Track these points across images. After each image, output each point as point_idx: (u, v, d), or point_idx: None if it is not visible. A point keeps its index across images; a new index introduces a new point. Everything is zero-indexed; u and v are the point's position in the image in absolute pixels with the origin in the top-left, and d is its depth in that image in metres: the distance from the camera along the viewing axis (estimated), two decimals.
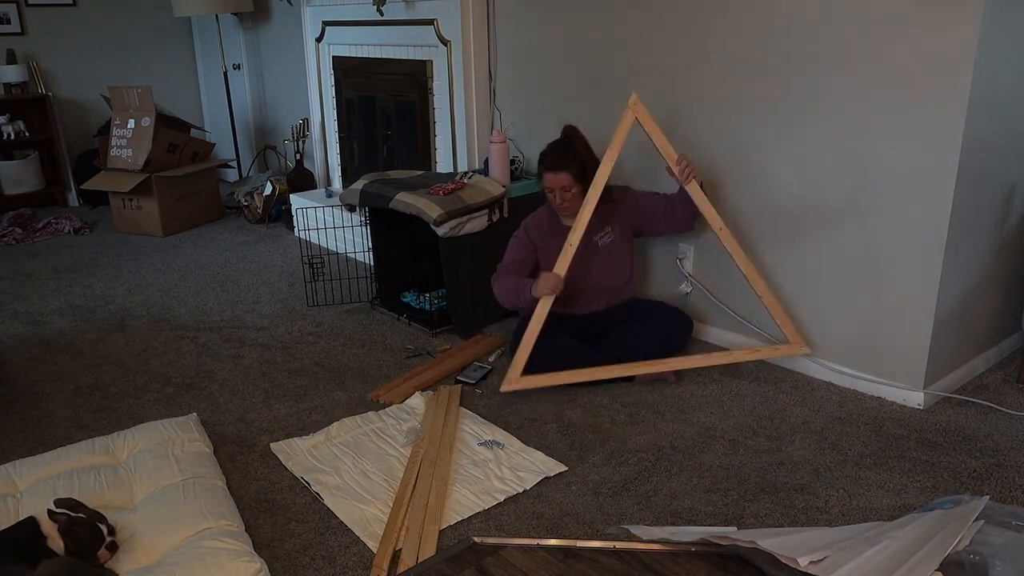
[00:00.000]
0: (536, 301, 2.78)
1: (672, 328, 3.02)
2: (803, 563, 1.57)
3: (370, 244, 3.72)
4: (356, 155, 4.77)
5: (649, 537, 1.86)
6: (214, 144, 5.51)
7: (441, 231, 3.14)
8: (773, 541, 1.67)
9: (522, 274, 2.92)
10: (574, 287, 2.91)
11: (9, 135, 5.47)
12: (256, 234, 4.98)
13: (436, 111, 4.05)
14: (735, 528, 2.05)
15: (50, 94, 5.69)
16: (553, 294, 2.75)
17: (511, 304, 2.95)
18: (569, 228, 2.81)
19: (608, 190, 2.83)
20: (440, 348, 3.24)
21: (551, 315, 2.78)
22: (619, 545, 1.82)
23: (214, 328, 3.54)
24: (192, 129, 5.31)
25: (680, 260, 3.24)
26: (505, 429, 2.61)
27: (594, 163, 2.83)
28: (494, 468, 2.39)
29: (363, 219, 3.90)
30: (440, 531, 2.13)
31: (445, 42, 3.84)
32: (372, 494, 2.28)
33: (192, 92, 6.53)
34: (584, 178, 2.82)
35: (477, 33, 3.74)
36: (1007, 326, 2.98)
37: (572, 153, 2.85)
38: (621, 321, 3.01)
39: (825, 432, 2.55)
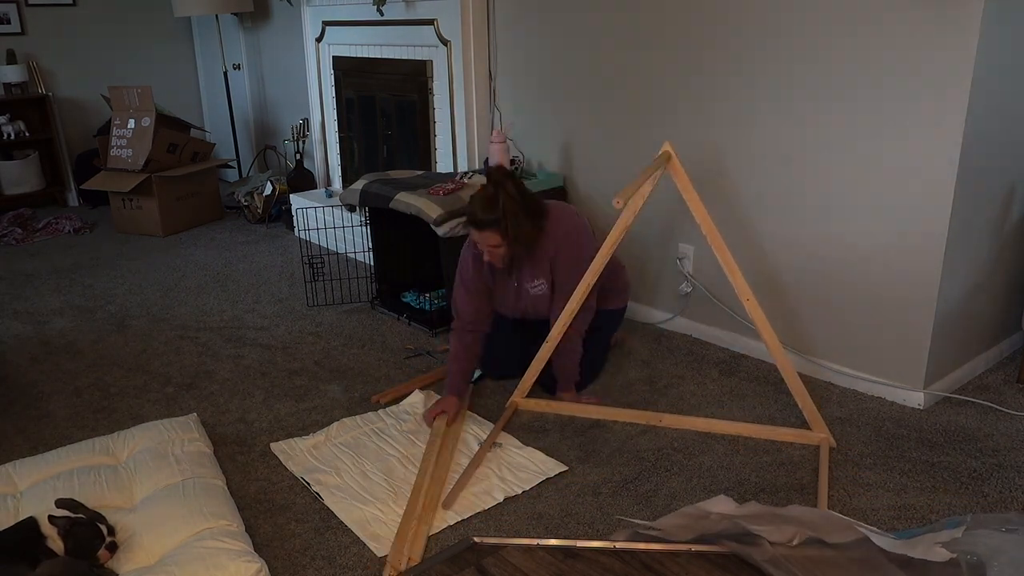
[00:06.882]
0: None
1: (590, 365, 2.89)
2: (796, 543, 1.64)
3: (370, 244, 3.72)
4: (356, 155, 4.77)
5: (647, 530, 1.87)
6: (214, 144, 5.51)
7: (441, 231, 3.14)
8: (766, 528, 1.72)
9: (483, 305, 2.72)
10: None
11: (9, 135, 5.47)
12: (256, 234, 4.98)
13: (436, 111, 4.05)
14: (723, 495, 2.08)
15: (50, 94, 5.69)
16: (441, 416, 2.61)
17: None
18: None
19: (541, 217, 2.61)
20: (440, 348, 3.24)
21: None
22: (619, 545, 1.83)
23: (214, 328, 3.54)
24: (192, 129, 5.31)
25: (680, 260, 3.24)
26: (505, 429, 2.61)
27: (522, 215, 2.53)
28: (494, 468, 2.40)
29: (363, 219, 3.90)
30: (439, 531, 2.13)
31: (445, 42, 3.84)
32: (372, 494, 2.28)
33: (192, 92, 6.53)
34: (513, 232, 2.55)
35: (477, 33, 3.74)
36: (1007, 326, 2.98)
37: (498, 207, 2.50)
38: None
39: None
